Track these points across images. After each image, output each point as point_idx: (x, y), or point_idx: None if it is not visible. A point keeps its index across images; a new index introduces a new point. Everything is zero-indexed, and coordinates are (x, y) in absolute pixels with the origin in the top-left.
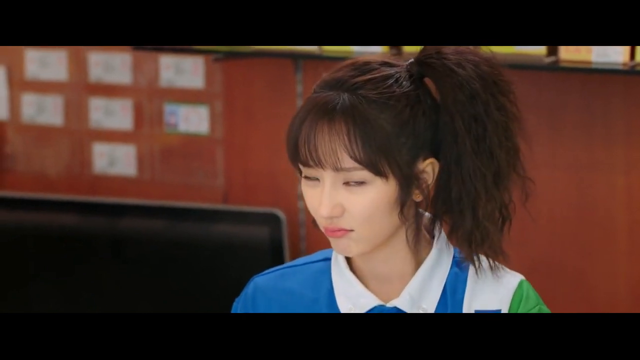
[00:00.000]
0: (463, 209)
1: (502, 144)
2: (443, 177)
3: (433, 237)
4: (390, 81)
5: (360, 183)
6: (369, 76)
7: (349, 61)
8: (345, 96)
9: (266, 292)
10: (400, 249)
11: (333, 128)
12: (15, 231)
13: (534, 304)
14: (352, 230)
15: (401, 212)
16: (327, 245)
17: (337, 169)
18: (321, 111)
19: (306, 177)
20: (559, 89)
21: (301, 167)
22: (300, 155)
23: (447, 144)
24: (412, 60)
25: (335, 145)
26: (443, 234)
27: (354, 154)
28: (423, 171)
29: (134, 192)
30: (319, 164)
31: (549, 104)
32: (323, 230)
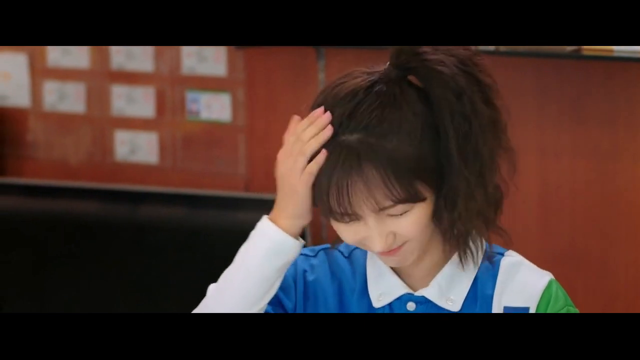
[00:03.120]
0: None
1: (487, 141)
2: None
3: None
4: (385, 100)
5: (404, 212)
6: (364, 106)
7: (330, 91)
8: (355, 138)
9: (329, 267)
10: (428, 248)
11: (362, 176)
12: (37, 218)
13: (562, 305)
14: (406, 242)
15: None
16: None
17: (378, 210)
18: (345, 166)
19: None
20: (581, 77)
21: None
22: (335, 214)
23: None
24: (388, 66)
25: (372, 192)
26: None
27: (394, 196)
28: None
29: (156, 180)
30: (359, 215)
31: (571, 93)
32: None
